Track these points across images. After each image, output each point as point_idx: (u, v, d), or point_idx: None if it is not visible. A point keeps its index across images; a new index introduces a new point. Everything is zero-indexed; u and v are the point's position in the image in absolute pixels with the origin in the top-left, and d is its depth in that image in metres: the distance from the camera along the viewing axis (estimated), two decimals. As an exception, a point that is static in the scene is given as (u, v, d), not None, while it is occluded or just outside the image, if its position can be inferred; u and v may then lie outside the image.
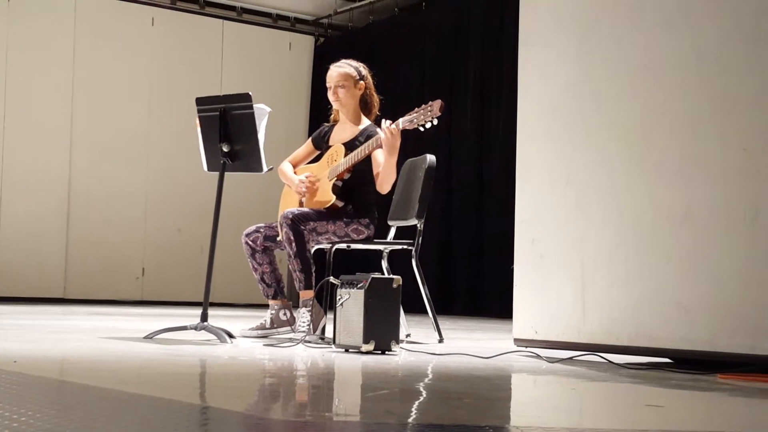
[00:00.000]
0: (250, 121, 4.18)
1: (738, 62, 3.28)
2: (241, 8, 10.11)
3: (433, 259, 8.57)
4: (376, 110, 4.68)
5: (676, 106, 3.45)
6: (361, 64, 4.68)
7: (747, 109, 3.24)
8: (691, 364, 3.40)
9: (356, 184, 4.52)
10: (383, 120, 4.32)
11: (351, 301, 3.69)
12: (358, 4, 10.19)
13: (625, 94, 3.62)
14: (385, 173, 4.39)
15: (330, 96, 4.64)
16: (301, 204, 4.57)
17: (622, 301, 3.55)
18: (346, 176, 4.50)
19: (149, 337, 4.08)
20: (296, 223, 4.34)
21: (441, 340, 4.52)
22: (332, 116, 4.77)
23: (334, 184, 4.47)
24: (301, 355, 3.63)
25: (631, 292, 3.52)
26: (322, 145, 4.73)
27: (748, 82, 3.25)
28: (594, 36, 3.75)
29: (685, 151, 3.40)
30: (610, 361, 3.52)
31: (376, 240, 4.63)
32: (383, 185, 4.44)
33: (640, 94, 3.57)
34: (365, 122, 4.65)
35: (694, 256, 3.34)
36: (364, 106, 4.66)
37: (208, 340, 4.03)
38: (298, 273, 4.35)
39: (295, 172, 4.71)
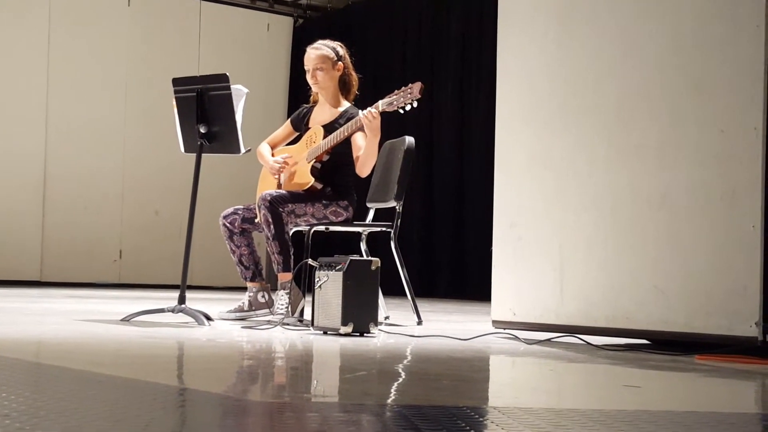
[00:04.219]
0: (227, 102, 4.15)
1: (714, 44, 3.29)
2: (219, -11, 10.03)
3: (415, 242, 8.57)
4: (355, 89, 4.66)
5: (653, 89, 3.46)
6: (338, 44, 4.65)
7: (724, 91, 3.26)
8: (668, 346, 3.43)
9: (335, 166, 4.50)
10: (367, 108, 4.28)
11: (329, 284, 3.68)
12: (336, -15, 10.14)
13: (603, 77, 3.62)
14: (365, 156, 4.37)
15: (309, 79, 4.60)
16: (279, 186, 4.55)
17: (600, 284, 3.56)
18: (325, 158, 4.48)
19: (126, 320, 4.05)
20: (274, 205, 4.32)
21: (420, 322, 4.52)
22: (312, 97, 4.74)
23: (312, 166, 4.45)
24: (280, 337, 3.62)
25: (609, 274, 3.53)
26: (301, 126, 4.71)
27: (724, 64, 3.26)
28: (572, 19, 3.74)
29: (663, 134, 3.41)
30: (588, 343, 3.53)
31: (354, 222, 4.62)
32: (363, 168, 4.42)
33: (617, 77, 3.57)
34: (345, 104, 4.63)
35: (671, 239, 3.36)
36: (343, 86, 4.63)
37: (186, 323, 4.02)
38: (276, 255, 4.33)
39: (273, 154, 4.69)
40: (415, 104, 4.19)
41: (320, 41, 4.66)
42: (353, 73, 4.64)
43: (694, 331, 3.28)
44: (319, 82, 4.56)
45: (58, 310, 4.95)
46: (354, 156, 4.44)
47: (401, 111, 4.23)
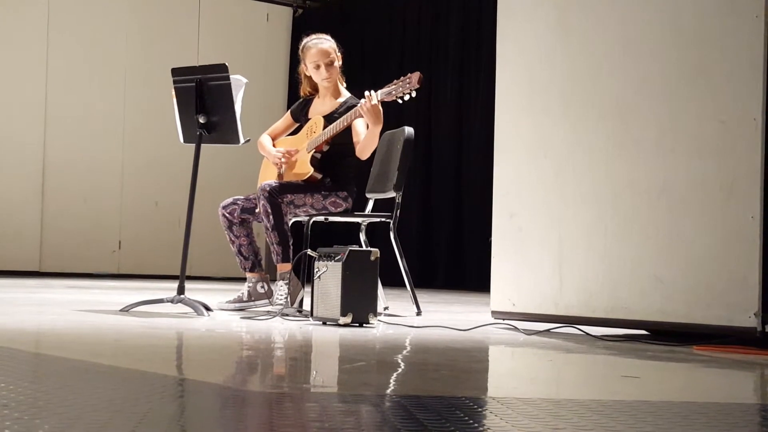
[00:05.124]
0: (226, 92, 4.14)
1: (714, 35, 3.28)
2: (218, -21, 10.00)
3: (413, 232, 8.57)
4: (342, 78, 4.67)
5: (653, 80, 3.45)
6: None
7: (723, 81, 3.25)
8: (667, 336, 3.43)
9: (335, 157, 4.50)
10: (366, 92, 4.27)
11: (329, 274, 3.68)
12: (336, -25, 10.10)
13: (603, 67, 3.61)
14: (366, 141, 4.37)
15: (320, 73, 4.54)
16: (279, 176, 4.55)
17: (599, 274, 3.56)
18: (325, 148, 4.48)
19: (125, 310, 4.05)
20: (273, 195, 4.32)
21: (419, 313, 4.52)
22: (302, 91, 4.72)
23: (312, 156, 4.45)
24: (279, 327, 3.62)
25: (608, 265, 3.53)
26: (301, 117, 4.70)
27: (724, 54, 3.25)
28: (572, 10, 3.73)
29: (663, 124, 3.41)
30: (587, 334, 3.53)
31: (354, 212, 4.62)
32: (363, 151, 4.42)
33: (617, 68, 3.56)
34: (345, 94, 4.63)
35: (670, 230, 3.35)
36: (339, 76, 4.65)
37: (185, 313, 4.02)
38: (275, 246, 4.33)
39: (274, 145, 4.68)
40: (413, 94, 4.18)
41: (316, 35, 4.65)
42: None
43: (692, 321, 3.28)
44: (332, 76, 4.55)
45: (57, 301, 4.95)
46: (354, 140, 4.44)
47: (400, 101, 4.22)
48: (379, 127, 4.31)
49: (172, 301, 4.04)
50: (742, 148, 3.18)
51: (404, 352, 3.01)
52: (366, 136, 4.35)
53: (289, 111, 4.83)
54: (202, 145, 4.23)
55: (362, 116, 4.35)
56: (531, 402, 1.97)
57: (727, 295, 3.18)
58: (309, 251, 3.90)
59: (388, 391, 2.14)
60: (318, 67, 4.55)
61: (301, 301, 4.34)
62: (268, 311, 4.27)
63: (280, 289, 4.30)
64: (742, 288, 3.14)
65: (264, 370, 2.52)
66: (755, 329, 3.11)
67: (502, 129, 3.97)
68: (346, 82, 4.70)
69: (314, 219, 4.44)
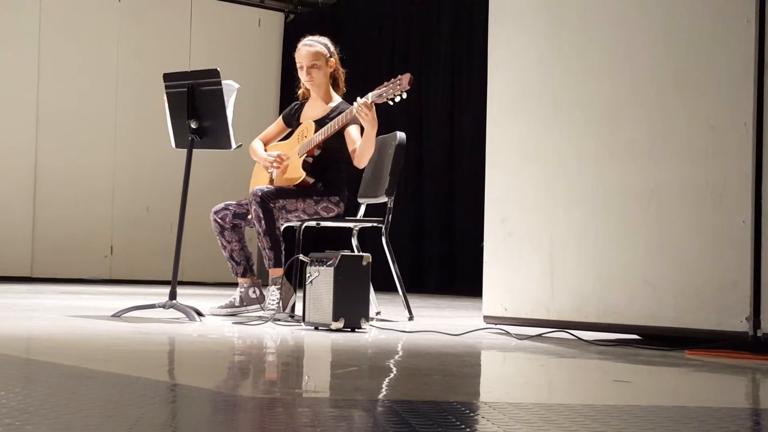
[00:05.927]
0: (218, 97, 4.14)
1: (706, 40, 3.30)
2: (210, -16, 10.00)
3: (405, 237, 8.58)
4: (342, 84, 4.67)
5: (644, 85, 3.46)
6: (328, 40, 4.65)
7: (714, 86, 3.26)
8: (658, 341, 3.44)
9: (326, 161, 4.50)
10: (357, 98, 4.28)
11: (320, 279, 3.68)
12: (328, -20, 10.11)
13: (594, 72, 3.62)
14: (364, 147, 4.37)
15: (303, 76, 4.59)
16: (271, 181, 4.55)
17: (590, 279, 3.57)
18: (316, 153, 4.48)
19: (117, 316, 4.05)
20: (265, 200, 4.32)
21: (411, 318, 4.53)
22: (300, 93, 4.74)
23: (304, 161, 4.45)
24: (271, 332, 3.62)
25: (600, 269, 3.54)
26: (292, 122, 4.71)
27: (715, 59, 3.26)
28: (564, 14, 3.74)
29: (653, 129, 3.42)
30: (578, 338, 3.54)
31: (346, 218, 4.62)
32: (361, 159, 4.42)
33: (608, 72, 3.57)
34: (336, 99, 4.63)
35: (661, 234, 3.36)
36: (333, 81, 4.65)
37: (177, 319, 4.01)
38: (267, 251, 4.33)
39: (265, 150, 4.68)
40: (404, 96, 4.19)
41: (311, 37, 4.65)
42: (340, 68, 4.65)
43: (684, 326, 3.28)
44: (314, 79, 4.56)
45: (48, 306, 4.94)
46: (350, 149, 4.45)
47: (391, 103, 4.22)
48: (375, 130, 4.31)
49: (164, 306, 4.04)
50: (732, 153, 3.19)
51: (396, 357, 3.01)
52: (362, 142, 4.36)
53: (280, 116, 4.84)
54: (194, 150, 4.23)
55: (354, 121, 4.35)
56: (523, 407, 1.98)
57: (719, 299, 3.19)
58: (301, 256, 3.90)
59: (381, 396, 2.14)
60: (301, 68, 4.57)
61: (293, 306, 4.34)
62: (260, 316, 4.27)
63: (272, 294, 4.29)
64: (734, 292, 3.15)
65: (256, 375, 2.52)
66: (747, 333, 3.12)
67: (493, 133, 3.98)
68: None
69: (306, 224, 4.44)
